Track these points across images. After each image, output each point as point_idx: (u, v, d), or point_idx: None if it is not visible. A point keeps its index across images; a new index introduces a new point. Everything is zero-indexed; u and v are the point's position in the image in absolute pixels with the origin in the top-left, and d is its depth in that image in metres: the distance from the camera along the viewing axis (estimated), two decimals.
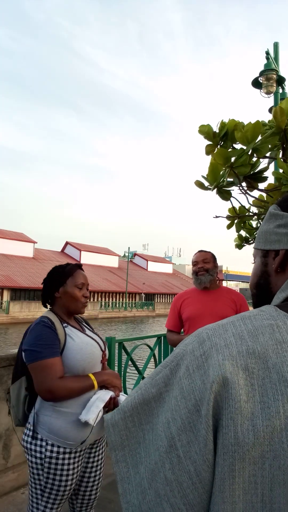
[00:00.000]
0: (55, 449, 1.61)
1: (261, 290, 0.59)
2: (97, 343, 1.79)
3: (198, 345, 0.47)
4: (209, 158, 1.79)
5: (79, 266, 1.86)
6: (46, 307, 1.84)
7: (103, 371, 1.75)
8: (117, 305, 42.12)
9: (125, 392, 3.39)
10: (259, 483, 0.38)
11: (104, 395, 1.66)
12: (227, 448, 0.39)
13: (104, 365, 1.81)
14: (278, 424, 0.39)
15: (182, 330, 2.77)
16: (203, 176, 1.76)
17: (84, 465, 1.78)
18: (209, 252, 2.72)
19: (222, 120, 1.69)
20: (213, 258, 2.70)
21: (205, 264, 2.62)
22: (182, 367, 0.46)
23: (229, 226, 2.44)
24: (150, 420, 0.46)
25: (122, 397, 1.74)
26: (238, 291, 2.79)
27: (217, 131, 1.68)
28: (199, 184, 1.79)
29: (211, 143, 1.70)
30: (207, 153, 1.72)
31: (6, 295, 35.20)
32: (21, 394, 1.72)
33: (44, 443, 1.62)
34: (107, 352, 1.85)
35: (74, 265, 1.85)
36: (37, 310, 34.00)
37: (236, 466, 0.39)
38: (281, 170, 1.64)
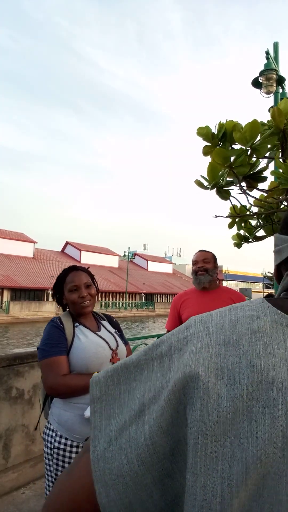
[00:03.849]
0: (62, 440, 1.67)
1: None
2: (107, 343, 1.82)
3: (184, 328, 0.52)
4: (208, 158, 1.79)
5: (72, 268, 1.93)
6: (64, 310, 1.95)
7: None
8: (117, 305, 42.11)
9: None
10: (220, 459, 0.42)
11: None
12: (193, 423, 0.44)
13: None
14: (241, 406, 0.42)
15: None
16: (202, 176, 1.76)
17: None
18: (210, 252, 2.72)
19: (220, 121, 1.69)
20: (213, 258, 2.69)
21: (205, 264, 2.61)
22: (165, 345, 0.52)
23: (230, 226, 2.44)
24: (127, 382, 0.53)
25: None
26: (238, 291, 2.79)
27: (216, 132, 1.68)
28: (199, 183, 1.79)
29: (209, 144, 1.70)
30: (205, 154, 1.73)
31: (6, 295, 35.19)
32: None
33: (54, 434, 1.70)
34: (120, 351, 1.86)
35: (66, 270, 1.93)
36: (37, 310, 34.01)
37: (199, 441, 0.43)
38: (280, 170, 1.64)
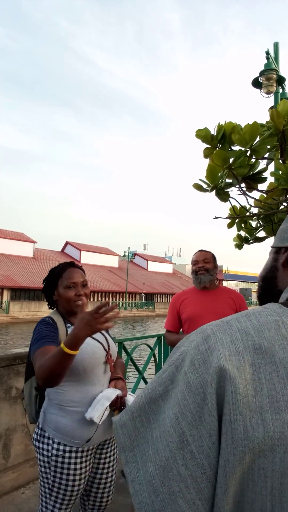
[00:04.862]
0: (61, 447, 1.62)
1: (267, 283, 0.62)
2: (101, 343, 1.77)
3: (202, 340, 0.47)
4: (207, 158, 1.79)
5: (70, 264, 1.82)
6: (51, 308, 1.85)
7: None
8: (117, 305, 42.07)
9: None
10: (269, 476, 0.38)
11: (111, 394, 1.66)
12: (237, 443, 0.39)
13: (110, 365, 1.79)
14: (287, 418, 0.39)
15: (181, 331, 2.77)
16: (201, 180, 1.76)
17: (95, 466, 1.78)
18: (210, 252, 2.72)
19: (219, 123, 1.69)
20: (213, 258, 2.70)
21: (206, 264, 2.62)
22: (187, 362, 0.47)
23: (229, 225, 2.44)
24: (157, 418, 0.46)
25: (130, 397, 1.75)
26: (238, 291, 2.79)
27: (215, 134, 1.68)
28: (197, 187, 1.78)
29: (209, 146, 1.70)
30: (205, 156, 1.73)
31: (6, 295, 35.18)
32: (32, 393, 1.76)
33: (50, 441, 1.63)
34: (113, 352, 1.81)
35: (63, 265, 1.82)
36: (37, 310, 33.99)
37: (246, 460, 0.39)
38: (279, 171, 1.64)
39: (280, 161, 1.76)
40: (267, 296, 0.60)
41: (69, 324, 1.75)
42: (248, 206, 2.23)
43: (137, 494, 0.43)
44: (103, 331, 1.87)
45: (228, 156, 1.61)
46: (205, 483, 0.40)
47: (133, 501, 0.44)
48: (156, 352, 4.15)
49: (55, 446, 1.62)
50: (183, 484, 0.40)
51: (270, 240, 2.69)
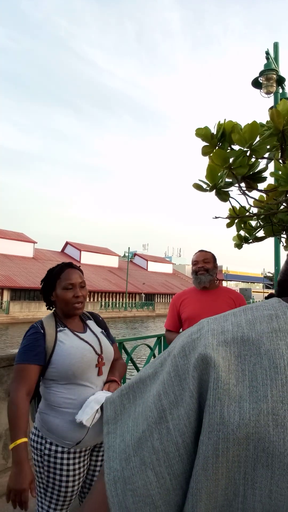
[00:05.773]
0: (53, 447, 1.63)
1: (281, 287, 0.60)
2: (92, 346, 1.73)
3: (197, 330, 0.49)
4: (207, 158, 1.79)
5: (68, 265, 1.81)
6: (49, 309, 1.85)
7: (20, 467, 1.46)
8: (117, 305, 42.10)
9: None
10: (243, 462, 0.39)
11: (101, 397, 1.65)
12: (212, 427, 0.40)
13: (100, 369, 1.74)
14: (265, 408, 0.40)
15: (181, 330, 2.77)
16: (200, 180, 1.77)
17: (92, 468, 1.78)
18: (210, 252, 2.73)
19: (219, 121, 1.70)
20: (213, 258, 2.70)
21: (205, 264, 2.63)
22: (178, 347, 0.49)
23: (229, 225, 2.44)
24: (143, 396, 0.48)
25: None
26: (238, 291, 2.79)
27: (215, 132, 1.68)
28: (197, 187, 1.79)
29: (208, 144, 1.70)
30: (204, 154, 1.73)
31: (6, 295, 35.19)
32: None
33: (43, 441, 1.65)
34: (106, 354, 1.78)
35: (62, 266, 1.80)
36: (37, 310, 34.00)
37: (220, 445, 0.40)
38: (279, 172, 1.64)
39: (280, 161, 1.77)
40: None
41: (60, 328, 1.72)
42: (248, 206, 2.23)
43: (109, 460, 0.45)
44: (97, 333, 1.84)
45: (228, 155, 1.61)
46: (176, 459, 0.41)
47: (104, 466, 0.45)
48: (156, 352, 4.15)
49: (48, 446, 1.64)
50: (155, 456, 0.42)
51: (270, 240, 2.69)
